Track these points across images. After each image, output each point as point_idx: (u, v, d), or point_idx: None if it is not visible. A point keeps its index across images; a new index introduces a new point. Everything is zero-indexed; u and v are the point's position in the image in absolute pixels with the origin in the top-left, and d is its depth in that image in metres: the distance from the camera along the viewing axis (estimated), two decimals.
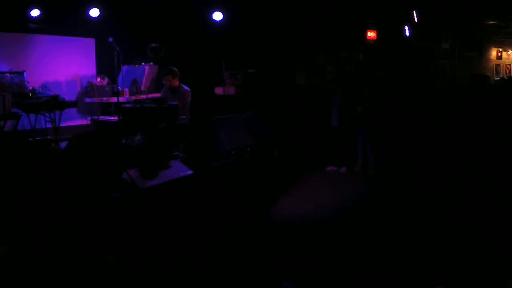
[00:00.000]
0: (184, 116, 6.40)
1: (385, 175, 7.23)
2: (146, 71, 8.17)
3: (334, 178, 7.30)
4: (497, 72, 13.92)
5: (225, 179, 4.96)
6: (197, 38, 8.81)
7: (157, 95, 7.14)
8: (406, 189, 6.36)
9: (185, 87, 6.76)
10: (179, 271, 3.51)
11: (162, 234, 3.88)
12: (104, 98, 7.65)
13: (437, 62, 12.27)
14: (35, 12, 7.25)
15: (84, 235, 3.28)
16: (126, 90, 7.69)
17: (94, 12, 7.58)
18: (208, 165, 5.03)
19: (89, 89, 7.83)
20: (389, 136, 7.66)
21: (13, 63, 7.21)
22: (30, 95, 6.76)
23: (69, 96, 7.82)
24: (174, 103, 5.90)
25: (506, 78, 13.48)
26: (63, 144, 6.10)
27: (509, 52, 14.24)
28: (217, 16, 8.58)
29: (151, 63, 8.34)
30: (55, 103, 6.77)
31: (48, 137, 6.92)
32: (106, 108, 7.97)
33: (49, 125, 6.93)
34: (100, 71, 8.33)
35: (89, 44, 8.58)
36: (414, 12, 10.22)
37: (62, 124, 7.04)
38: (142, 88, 7.94)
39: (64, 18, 7.72)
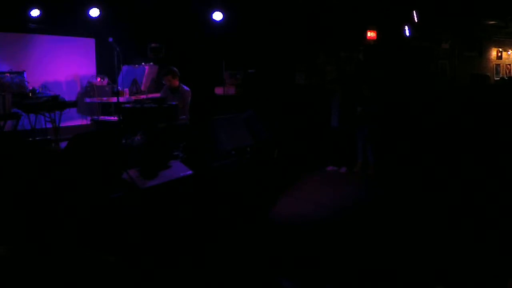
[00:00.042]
0: (184, 116, 6.40)
1: (385, 175, 7.23)
2: (146, 71, 8.17)
3: (334, 178, 7.30)
4: (497, 72, 13.92)
5: (225, 179, 4.96)
6: (197, 38, 8.81)
7: (157, 95, 7.13)
8: (406, 189, 6.36)
9: (185, 87, 6.76)
10: (179, 271, 3.51)
11: (162, 234, 3.88)
12: (104, 98, 7.65)
13: (437, 62, 12.27)
14: (35, 12, 7.25)
15: (84, 235, 3.27)
16: (126, 90, 7.68)
17: (94, 12, 7.58)
18: (208, 165, 5.03)
19: (89, 89, 7.83)
20: (389, 136, 7.66)
21: (13, 63, 7.21)
22: (30, 95, 6.76)
23: (69, 96, 7.82)
24: (174, 103, 5.90)
25: (506, 78, 13.47)
26: (63, 144, 6.10)
27: (509, 52, 14.24)
28: (217, 16, 8.58)
29: (151, 63, 8.34)
30: (55, 103, 6.77)
31: (48, 137, 6.92)
32: (106, 108, 7.97)
33: (49, 125, 6.93)
34: (100, 71, 8.33)
35: (89, 44, 8.58)
36: (414, 12, 10.22)
37: (62, 124, 7.04)
38: (142, 88, 7.94)
39: (64, 18, 7.72)
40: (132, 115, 5.53)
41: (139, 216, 3.91)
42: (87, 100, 7.80)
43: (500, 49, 13.95)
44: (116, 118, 7.16)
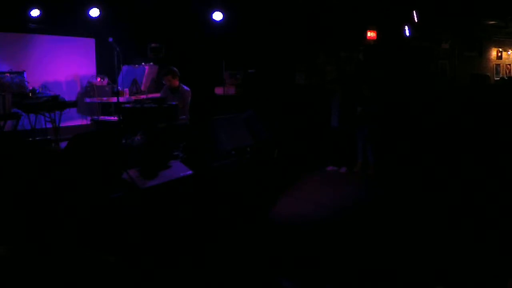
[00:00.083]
0: (184, 116, 6.40)
1: (385, 175, 7.23)
2: (146, 71, 8.17)
3: (334, 178, 7.30)
4: (497, 72, 13.92)
5: (225, 179, 4.96)
6: (197, 38, 8.81)
7: (157, 95, 7.13)
8: (406, 189, 6.36)
9: (185, 87, 6.76)
10: (179, 271, 3.51)
11: (162, 234, 3.88)
12: (104, 98, 7.65)
13: (437, 62, 12.28)
14: (35, 12, 7.25)
15: (84, 235, 3.27)
16: (126, 90, 7.69)
17: (94, 12, 7.58)
18: (208, 165, 5.03)
19: (89, 89, 7.83)
20: (389, 136, 7.66)
21: (13, 63, 7.21)
22: (30, 95, 6.76)
23: (69, 96, 7.82)
24: (174, 103, 5.90)
25: (506, 78, 13.47)
26: (63, 144, 6.10)
27: (509, 52, 14.24)
28: (217, 16, 8.58)
29: (151, 63, 8.34)
30: (55, 103, 6.77)
31: (48, 137, 6.92)
32: (106, 108, 7.97)
33: (49, 125, 6.93)
34: (100, 71, 8.33)
35: (89, 44, 8.58)
36: (414, 12, 10.22)
37: (62, 124, 7.04)
38: (142, 88, 7.94)
39: (64, 18, 7.72)
40: (132, 115, 5.53)
41: (139, 216, 3.91)
42: (87, 100, 7.80)
43: (500, 49, 13.95)
44: (116, 118, 7.16)
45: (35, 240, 2.81)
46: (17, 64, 7.21)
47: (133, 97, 7.30)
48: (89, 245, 3.11)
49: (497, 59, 13.95)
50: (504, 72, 14.15)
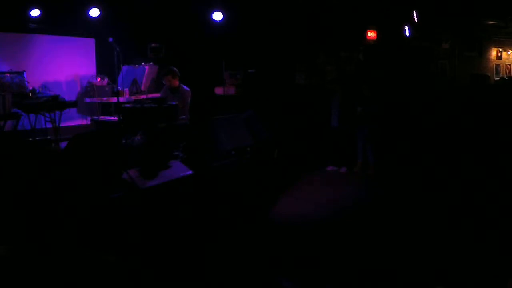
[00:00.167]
0: (184, 116, 6.40)
1: (385, 175, 7.23)
2: (146, 71, 8.17)
3: (334, 178, 7.30)
4: (497, 72, 13.92)
5: (225, 179, 4.96)
6: (197, 38, 8.81)
7: (157, 95, 7.14)
8: (406, 189, 6.36)
9: (185, 87, 6.77)
10: (179, 271, 3.51)
11: (162, 234, 3.88)
12: (104, 98, 7.65)
13: (437, 62, 12.27)
14: (35, 12, 7.25)
15: (84, 235, 3.27)
16: (126, 90, 7.69)
17: (94, 12, 7.58)
18: (208, 165, 5.03)
19: (89, 89, 7.83)
20: (389, 136, 7.66)
21: (13, 63, 7.21)
22: (30, 95, 6.77)
23: (69, 96, 7.82)
24: (174, 103, 5.90)
25: (506, 78, 13.47)
26: (63, 144, 6.10)
27: (509, 52, 14.23)
28: (217, 16, 8.58)
29: (151, 63, 8.34)
30: (55, 103, 6.77)
31: (48, 137, 6.92)
32: (106, 108, 7.97)
33: (49, 125, 6.93)
34: (100, 71, 8.33)
35: (89, 44, 8.58)
36: (414, 12, 10.22)
37: (62, 124, 7.04)
38: (142, 88, 7.94)
39: (64, 18, 7.72)
40: (132, 115, 5.53)
41: (139, 216, 3.91)
42: (87, 100, 7.80)
43: (500, 49, 13.95)
44: (116, 118, 7.16)
45: (35, 240, 2.81)
46: (17, 64, 7.21)
47: (133, 97, 7.31)
48: (89, 245, 3.11)
49: (497, 59, 13.94)
50: (504, 72, 14.15)
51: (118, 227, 3.61)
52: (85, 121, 8.07)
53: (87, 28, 8.04)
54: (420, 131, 7.75)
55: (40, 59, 7.83)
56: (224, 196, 4.68)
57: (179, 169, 4.66)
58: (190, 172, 4.66)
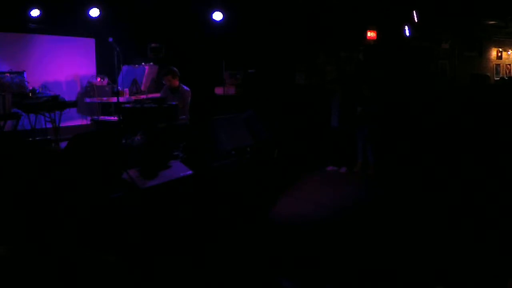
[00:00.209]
0: (184, 116, 6.40)
1: (385, 175, 7.23)
2: (146, 71, 8.18)
3: (334, 178, 7.30)
4: (497, 72, 13.92)
5: (225, 179, 4.96)
6: (197, 38, 8.81)
7: (157, 95, 7.14)
8: (406, 189, 6.36)
9: (185, 87, 6.77)
10: (179, 271, 3.51)
11: (162, 234, 3.88)
12: (104, 98, 7.65)
13: (437, 62, 12.27)
14: (35, 12, 7.25)
15: (84, 235, 3.27)
16: (126, 90, 7.69)
17: (94, 12, 7.58)
18: (208, 165, 5.03)
19: (89, 89, 7.83)
20: (389, 136, 7.66)
21: (13, 63, 7.21)
22: (30, 95, 6.76)
23: (69, 96, 7.82)
24: (174, 103, 5.90)
25: (506, 78, 13.47)
26: (63, 144, 6.10)
27: (509, 52, 14.23)
28: (217, 16, 8.58)
29: (151, 63, 8.34)
30: (55, 103, 6.77)
31: (48, 137, 6.92)
32: (106, 108, 7.97)
33: (49, 125, 6.93)
34: (100, 71, 8.33)
35: (89, 44, 8.58)
36: (414, 12, 10.22)
37: (62, 124, 7.04)
38: (142, 88, 7.94)
39: (64, 18, 7.72)
40: (132, 115, 5.53)
41: (139, 216, 3.91)
42: (87, 100, 7.80)
43: (500, 49, 13.95)
44: (116, 118, 7.16)
45: (35, 240, 2.81)
46: (17, 64, 7.21)
47: (133, 97, 7.30)
48: (89, 245, 3.11)
49: (497, 59, 13.95)
50: (504, 72, 14.15)
51: (118, 227, 3.61)
52: (85, 121, 8.07)
53: (87, 28, 8.04)
54: (420, 131, 7.75)
55: (40, 59, 7.83)
56: (224, 196, 4.68)
57: (179, 169, 4.66)
58: (190, 172, 4.66)
